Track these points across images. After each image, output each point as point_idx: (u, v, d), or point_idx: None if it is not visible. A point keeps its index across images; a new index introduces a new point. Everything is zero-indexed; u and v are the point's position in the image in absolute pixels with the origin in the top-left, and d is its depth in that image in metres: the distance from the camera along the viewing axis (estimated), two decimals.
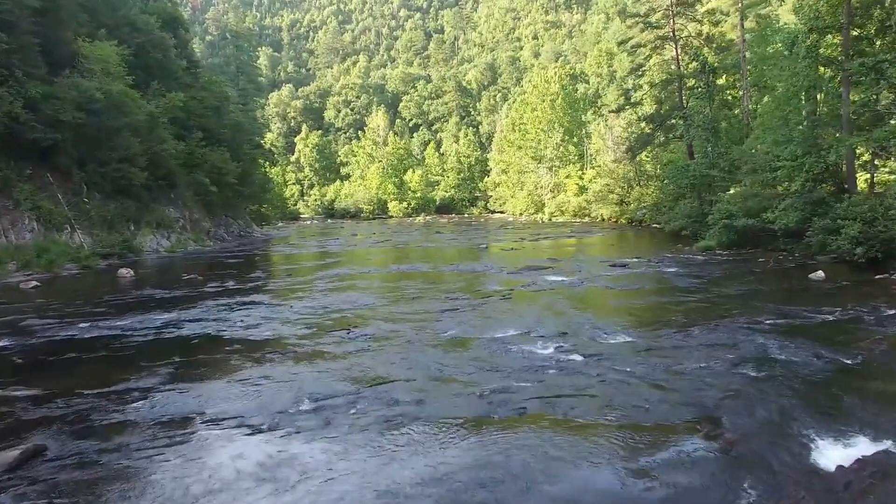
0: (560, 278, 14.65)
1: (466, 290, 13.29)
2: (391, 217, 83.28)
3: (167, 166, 30.58)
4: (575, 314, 10.09)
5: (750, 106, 27.06)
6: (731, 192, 29.48)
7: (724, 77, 31.37)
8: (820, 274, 13.68)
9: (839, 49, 17.67)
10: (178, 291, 14.17)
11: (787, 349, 7.23)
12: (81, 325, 9.98)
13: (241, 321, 10.00)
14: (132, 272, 17.67)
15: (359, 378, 6.55)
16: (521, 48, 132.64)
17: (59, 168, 24.04)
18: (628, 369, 6.56)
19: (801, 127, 18.13)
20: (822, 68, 18.23)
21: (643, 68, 35.78)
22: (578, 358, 7.04)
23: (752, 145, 22.35)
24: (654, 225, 36.98)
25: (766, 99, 26.28)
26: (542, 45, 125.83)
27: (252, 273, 17.65)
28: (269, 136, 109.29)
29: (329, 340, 8.56)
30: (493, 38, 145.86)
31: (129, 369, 7.27)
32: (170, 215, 31.02)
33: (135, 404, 5.96)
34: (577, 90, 65.19)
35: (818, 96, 18.46)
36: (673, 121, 34.51)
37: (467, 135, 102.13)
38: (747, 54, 28.35)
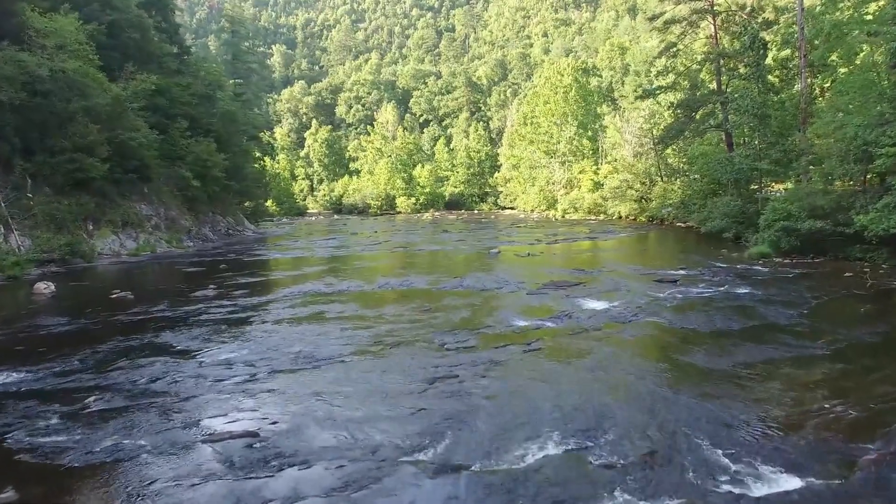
0: (599, 305, 10.79)
1: (472, 327, 9.41)
2: (399, 213, 79.94)
3: (139, 157, 26.92)
4: (651, 391, 6.06)
5: (809, 87, 22.82)
6: (779, 187, 25.48)
7: (770, 57, 27.25)
8: None
9: None
10: (81, 321, 10.45)
11: None
12: None
13: (102, 401, 6.10)
14: (52, 287, 13.98)
15: None
16: (531, 45, 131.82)
17: None
18: None
19: None
20: None
21: (675, 48, 31.54)
22: None
23: (822, 130, 18.24)
24: (680, 224, 33.21)
25: (830, 80, 22.25)
26: (552, 42, 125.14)
27: (201, 289, 13.81)
28: (279, 130, 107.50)
29: (205, 469, 4.58)
30: (504, 35, 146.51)
31: None
32: (140, 213, 27.40)
33: None
34: (589, 83, 61.26)
35: None
36: (706, 107, 30.45)
37: (477, 130, 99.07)
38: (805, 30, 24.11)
